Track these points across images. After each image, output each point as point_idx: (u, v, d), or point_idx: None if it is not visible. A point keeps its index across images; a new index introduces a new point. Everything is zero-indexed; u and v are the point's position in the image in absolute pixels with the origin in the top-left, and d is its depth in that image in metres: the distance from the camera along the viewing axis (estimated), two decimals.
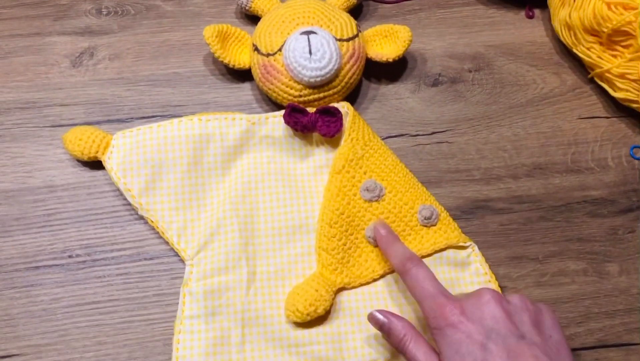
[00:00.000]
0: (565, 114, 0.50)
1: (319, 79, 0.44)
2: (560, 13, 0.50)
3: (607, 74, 0.48)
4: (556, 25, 0.51)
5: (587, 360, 0.42)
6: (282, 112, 0.45)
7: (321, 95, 0.45)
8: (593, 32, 0.48)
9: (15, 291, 0.42)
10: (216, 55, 0.47)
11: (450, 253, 0.43)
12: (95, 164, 0.46)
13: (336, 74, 0.45)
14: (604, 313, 0.43)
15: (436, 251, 0.43)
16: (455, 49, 0.52)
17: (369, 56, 0.48)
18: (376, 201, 0.43)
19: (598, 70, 0.49)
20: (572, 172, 0.48)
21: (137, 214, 0.44)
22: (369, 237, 0.42)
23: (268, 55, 0.46)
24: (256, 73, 0.47)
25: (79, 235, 0.44)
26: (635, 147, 0.49)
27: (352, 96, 0.49)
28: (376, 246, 0.42)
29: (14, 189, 0.45)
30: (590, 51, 0.49)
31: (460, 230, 0.44)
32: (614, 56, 0.48)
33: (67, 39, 0.51)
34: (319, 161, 0.46)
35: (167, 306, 0.42)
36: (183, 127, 0.45)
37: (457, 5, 0.55)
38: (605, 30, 0.46)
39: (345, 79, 0.46)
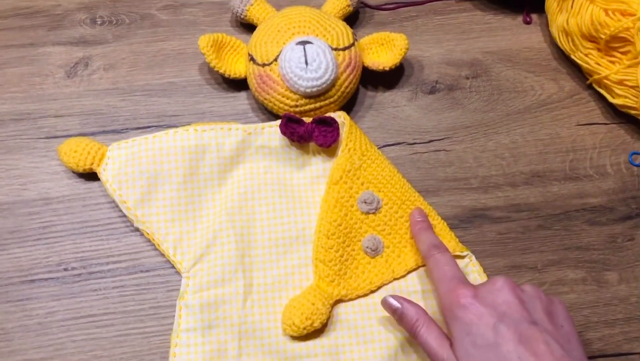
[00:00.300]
0: (563, 121, 0.50)
1: (315, 89, 0.44)
2: (557, 19, 0.50)
3: (605, 81, 0.48)
4: (554, 31, 0.51)
5: None
6: (278, 122, 0.45)
7: (317, 105, 0.45)
8: (591, 39, 0.48)
9: (11, 305, 0.42)
10: (211, 65, 0.46)
11: None
12: (91, 176, 0.45)
13: (332, 84, 0.45)
14: (603, 322, 0.43)
15: None
16: (453, 56, 0.52)
17: (365, 65, 0.47)
18: (373, 213, 0.43)
19: (596, 76, 0.48)
20: (571, 180, 0.47)
21: (133, 226, 0.44)
22: (366, 248, 0.42)
23: (264, 65, 0.45)
24: (252, 83, 0.46)
25: (74, 248, 0.44)
26: (634, 153, 0.48)
27: (349, 105, 0.49)
28: (373, 257, 0.42)
29: (9, 201, 0.45)
30: (588, 57, 0.48)
31: (457, 240, 0.43)
32: (612, 62, 0.47)
33: (62, 49, 0.51)
34: (315, 171, 0.45)
35: (164, 319, 0.42)
36: (179, 137, 0.44)
37: (454, 12, 0.54)
38: (603, 36, 0.46)
39: (342, 89, 0.45)
